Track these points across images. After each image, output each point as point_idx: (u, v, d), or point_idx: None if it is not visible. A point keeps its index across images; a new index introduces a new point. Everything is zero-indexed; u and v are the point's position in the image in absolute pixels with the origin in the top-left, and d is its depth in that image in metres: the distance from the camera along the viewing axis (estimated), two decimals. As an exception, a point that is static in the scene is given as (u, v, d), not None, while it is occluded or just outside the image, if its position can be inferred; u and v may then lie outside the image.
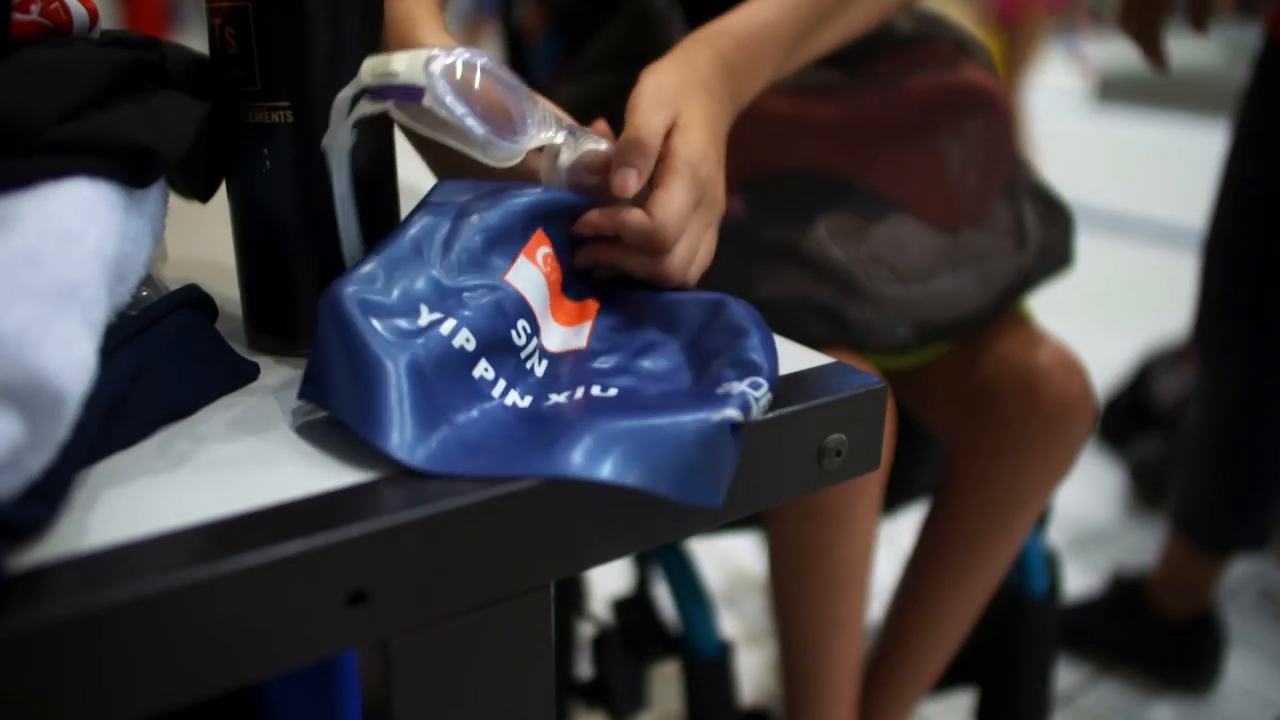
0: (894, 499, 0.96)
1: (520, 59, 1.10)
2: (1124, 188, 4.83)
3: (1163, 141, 5.91)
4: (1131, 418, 2.15)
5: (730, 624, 1.55)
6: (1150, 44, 1.12)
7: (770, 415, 0.46)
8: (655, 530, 0.44)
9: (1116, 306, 3.07)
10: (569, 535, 0.41)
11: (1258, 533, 1.40)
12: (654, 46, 0.82)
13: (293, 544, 0.35)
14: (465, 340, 0.44)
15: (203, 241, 0.71)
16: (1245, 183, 1.18)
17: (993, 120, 0.85)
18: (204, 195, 0.54)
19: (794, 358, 0.53)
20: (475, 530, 0.38)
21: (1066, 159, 5.62)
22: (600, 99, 0.86)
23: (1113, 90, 7.49)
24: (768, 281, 0.77)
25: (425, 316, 0.44)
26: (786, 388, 0.49)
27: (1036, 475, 0.84)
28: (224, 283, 0.62)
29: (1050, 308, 2.83)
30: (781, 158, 0.82)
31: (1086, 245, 4.01)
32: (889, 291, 0.77)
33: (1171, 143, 5.81)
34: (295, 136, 0.49)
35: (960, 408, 0.86)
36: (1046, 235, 0.86)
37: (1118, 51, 10.29)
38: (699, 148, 0.55)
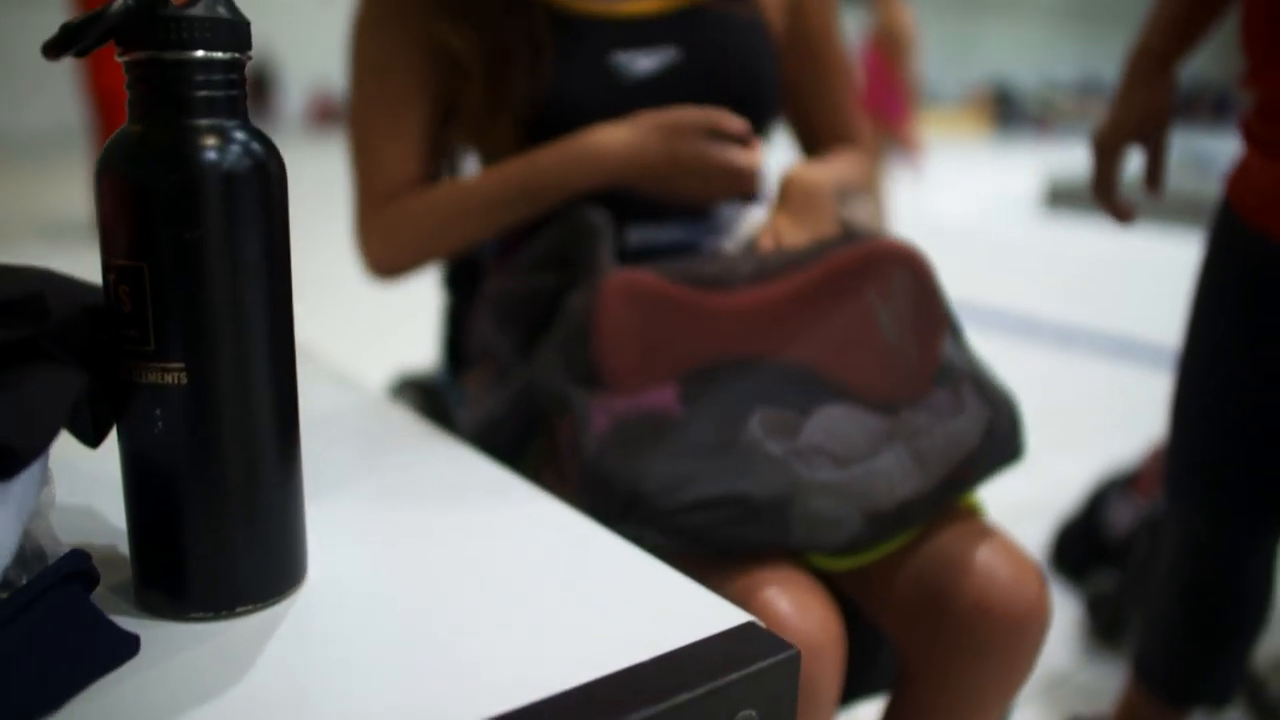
0: (849, 694, 0.93)
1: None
2: (1073, 298, 4.91)
3: (1111, 249, 6.04)
4: (1084, 548, 2.14)
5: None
6: (1109, 198, 1.16)
7: (676, 700, 0.44)
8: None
9: (1069, 424, 3.09)
10: None
11: (1222, 690, 1.38)
12: (587, 254, 0.89)
13: None
14: None
15: (103, 462, 0.69)
16: (1208, 346, 1.18)
17: (916, 277, 0.86)
18: (94, 442, 0.52)
19: (702, 620, 0.51)
20: None
21: (1014, 267, 5.72)
22: (542, 297, 0.91)
23: (1061, 198, 7.68)
24: (710, 479, 0.76)
25: None
26: (693, 661, 0.47)
27: (992, 684, 0.82)
28: (120, 512, 0.60)
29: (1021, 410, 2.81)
30: (714, 346, 0.82)
31: (1036, 360, 4.04)
32: (831, 478, 0.76)
33: (1120, 251, 5.94)
34: (189, 398, 0.47)
35: (911, 612, 0.84)
36: (992, 420, 0.85)
37: (1066, 158, 10.60)
38: None
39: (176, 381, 0.47)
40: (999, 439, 0.84)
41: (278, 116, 12.83)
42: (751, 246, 0.97)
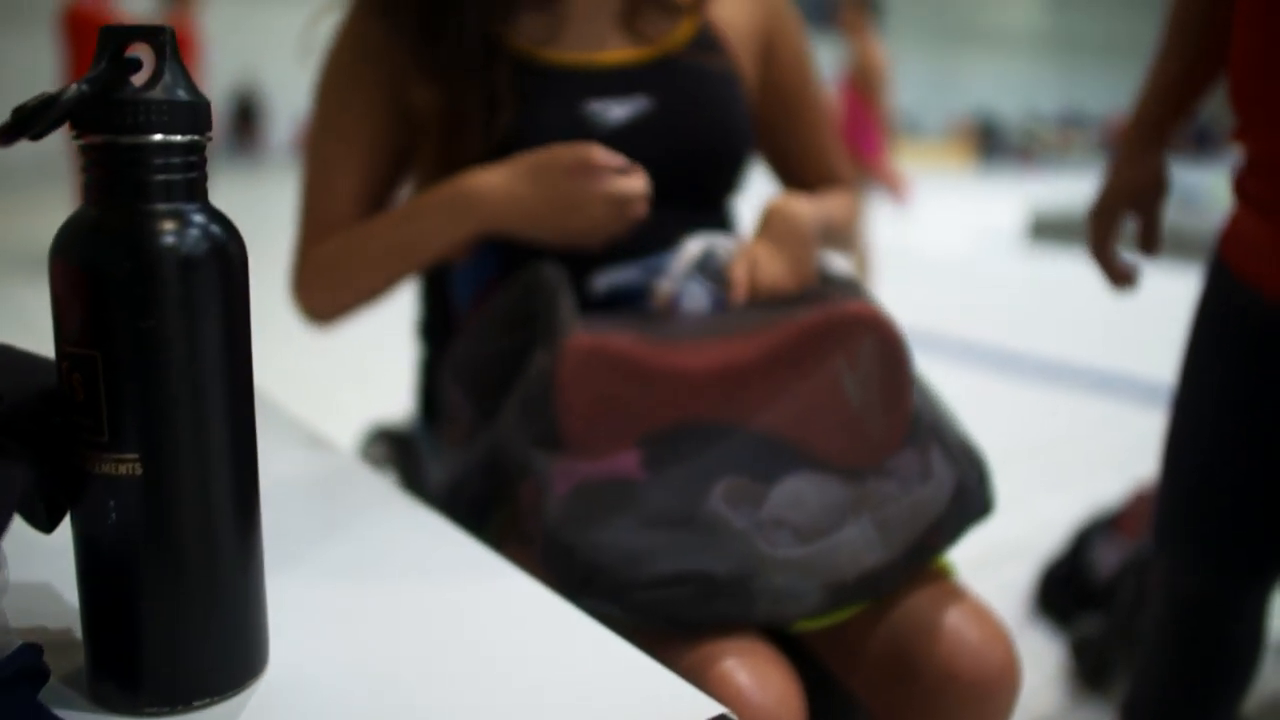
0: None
1: (440, 281, 1.09)
2: (1058, 332, 4.93)
3: (1095, 282, 6.05)
4: (1070, 590, 2.13)
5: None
6: (1106, 264, 1.18)
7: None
8: None
9: (1054, 461, 3.09)
10: None
11: None
12: (541, 311, 0.88)
13: None
14: None
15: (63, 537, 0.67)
16: (1202, 399, 1.18)
17: (884, 345, 0.86)
18: (48, 528, 0.51)
19: (674, 714, 0.49)
20: None
21: (999, 300, 5.74)
22: (505, 358, 0.89)
23: (1046, 230, 7.72)
24: (671, 555, 0.74)
25: None
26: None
27: None
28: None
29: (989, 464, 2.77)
30: (678, 410, 0.82)
31: (1021, 395, 4.03)
32: (794, 554, 0.75)
33: (1104, 284, 5.94)
34: (144, 490, 0.46)
35: (880, 676, 0.83)
36: (960, 481, 0.84)
37: (1050, 190, 10.67)
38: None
39: (131, 473, 0.46)
40: (967, 498, 0.84)
41: (264, 145, 12.85)
42: (720, 290, 0.96)
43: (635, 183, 0.92)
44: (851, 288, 0.94)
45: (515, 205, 0.92)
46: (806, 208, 0.99)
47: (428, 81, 0.99)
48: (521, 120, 0.98)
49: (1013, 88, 20.99)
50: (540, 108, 0.99)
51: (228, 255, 0.47)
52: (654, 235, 0.98)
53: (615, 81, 1.01)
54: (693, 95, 1.03)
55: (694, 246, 0.96)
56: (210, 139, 0.48)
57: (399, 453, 1.15)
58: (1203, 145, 14.13)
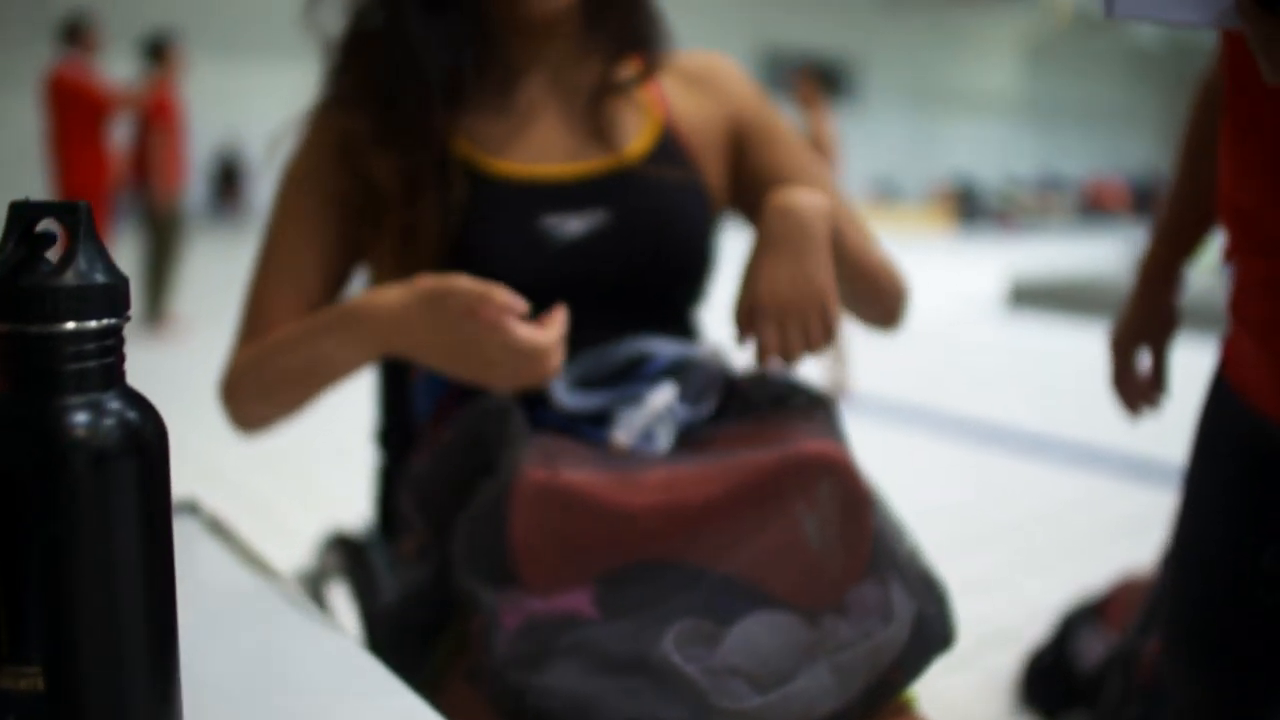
0: None
1: (400, 389, 1.06)
2: (1039, 404, 4.92)
3: (1076, 352, 6.08)
4: (1055, 682, 2.09)
5: None
6: (1126, 395, 1.23)
7: None
8: None
9: (1037, 541, 3.04)
10: None
11: None
12: (498, 436, 0.86)
13: None
14: None
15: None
16: (1204, 519, 1.17)
17: (843, 487, 0.84)
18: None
19: None
20: None
21: (979, 370, 5.74)
22: (460, 479, 0.87)
23: (1025, 296, 7.76)
24: (621, 703, 0.72)
25: None
26: None
27: None
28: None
29: (968, 545, 2.79)
30: (633, 549, 0.81)
31: (1002, 469, 3.97)
32: (747, 706, 0.73)
33: (1085, 354, 5.98)
34: (48, 705, 0.42)
35: None
36: (920, 612, 0.82)
37: (1028, 255, 10.75)
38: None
39: (32, 687, 0.42)
40: (927, 631, 0.82)
41: (246, 208, 12.84)
42: (703, 410, 0.93)
43: (545, 336, 0.83)
44: (814, 411, 0.91)
45: (408, 334, 0.87)
46: (813, 198, 0.88)
47: (385, 154, 0.96)
48: (475, 234, 0.96)
49: (990, 152, 21.30)
50: (494, 222, 0.97)
51: (144, 443, 0.44)
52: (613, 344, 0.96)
53: (571, 194, 0.99)
54: (651, 208, 1.01)
55: (659, 398, 0.93)
56: (129, 318, 0.45)
57: (353, 562, 1.12)
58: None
